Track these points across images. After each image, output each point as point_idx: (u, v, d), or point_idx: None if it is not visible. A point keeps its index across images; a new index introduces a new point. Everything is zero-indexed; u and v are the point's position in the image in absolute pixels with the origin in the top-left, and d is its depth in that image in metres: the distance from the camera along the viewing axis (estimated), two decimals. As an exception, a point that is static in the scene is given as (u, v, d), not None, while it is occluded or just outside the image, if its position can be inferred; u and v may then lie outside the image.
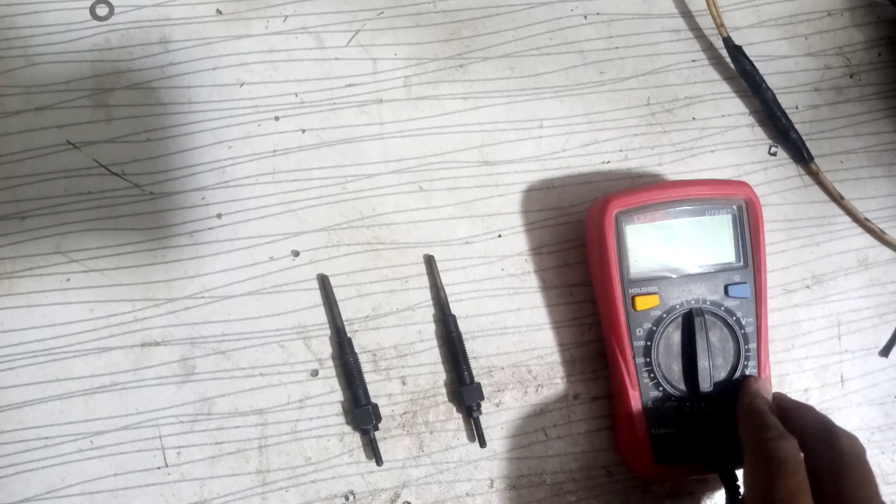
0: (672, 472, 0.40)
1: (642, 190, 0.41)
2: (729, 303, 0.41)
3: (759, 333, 0.41)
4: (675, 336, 0.40)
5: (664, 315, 0.40)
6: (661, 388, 0.40)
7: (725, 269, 0.41)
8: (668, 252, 0.41)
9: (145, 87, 0.43)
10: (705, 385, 0.39)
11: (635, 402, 0.40)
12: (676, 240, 0.41)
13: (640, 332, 0.40)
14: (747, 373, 0.40)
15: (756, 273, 0.41)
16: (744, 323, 0.40)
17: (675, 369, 0.40)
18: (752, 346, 0.40)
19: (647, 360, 0.40)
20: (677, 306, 0.40)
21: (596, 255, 0.42)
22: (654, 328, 0.40)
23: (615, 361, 0.41)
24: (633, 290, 0.40)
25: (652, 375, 0.40)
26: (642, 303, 0.40)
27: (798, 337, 0.46)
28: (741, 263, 0.41)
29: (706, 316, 0.40)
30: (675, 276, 0.40)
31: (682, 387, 0.40)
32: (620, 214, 0.40)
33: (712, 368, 0.40)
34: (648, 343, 0.40)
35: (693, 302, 0.40)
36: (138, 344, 0.41)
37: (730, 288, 0.41)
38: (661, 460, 0.40)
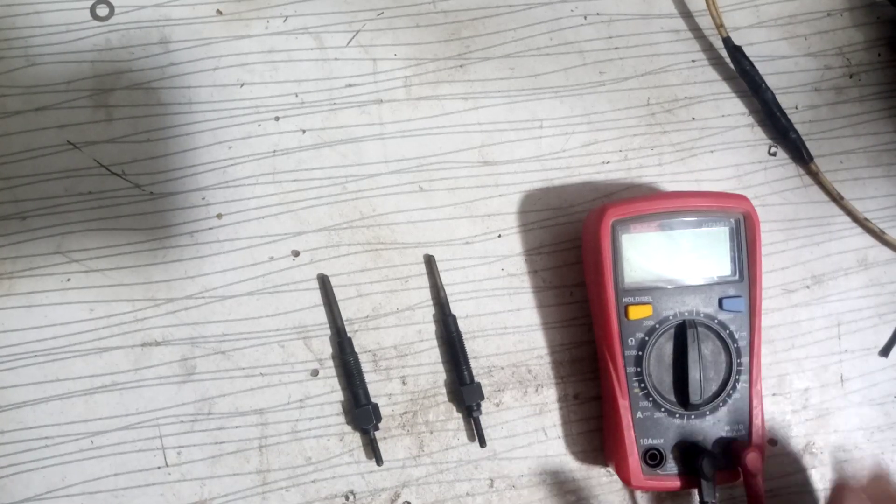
0: (659, 483, 0.40)
1: (640, 199, 0.41)
2: (723, 316, 0.40)
3: (752, 348, 0.40)
4: (668, 347, 0.40)
5: (657, 325, 0.40)
6: (650, 399, 0.40)
7: (720, 281, 0.40)
8: (663, 262, 0.40)
9: (146, 87, 0.43)
10: (695, 397, 0.39)
11: (624, 412, 0.40)
12: (672, 250, 0.40)
13: (631, 341, 0.40)
14: (738, 386, 0.40)
15: (751, 287, 0.40)
16: (737, 337, 0.40)
17: (665, 380, 0.40)
18: (745, 360, 0.40)
19: (638, 369, 0.40)
20: (670, 317, 0.40)
21: (591, 262, 0.42)
22: (647, 338, 0.40)
23: (606, 370, 0.41)
24: (626, 299, 0.40)
25: (642, 385, 0.40)
26: (635, 312, 0.40)
27: (798, 337, 0.46)
28: (737, 277, 0.41)
29: (699, 328, 0.39)
30: (669, 286, 0.40)
31: (673, 398, 0.40)
32: (617, 223, 0.40)
33: (703, 381, 0.39)
34: (640, 353, 0.40)
35: (686, 313, 0.40)
36: (138, 344, 0.41)
37: (724, 301, 0.40)
38: (649, 471, 0.40)
